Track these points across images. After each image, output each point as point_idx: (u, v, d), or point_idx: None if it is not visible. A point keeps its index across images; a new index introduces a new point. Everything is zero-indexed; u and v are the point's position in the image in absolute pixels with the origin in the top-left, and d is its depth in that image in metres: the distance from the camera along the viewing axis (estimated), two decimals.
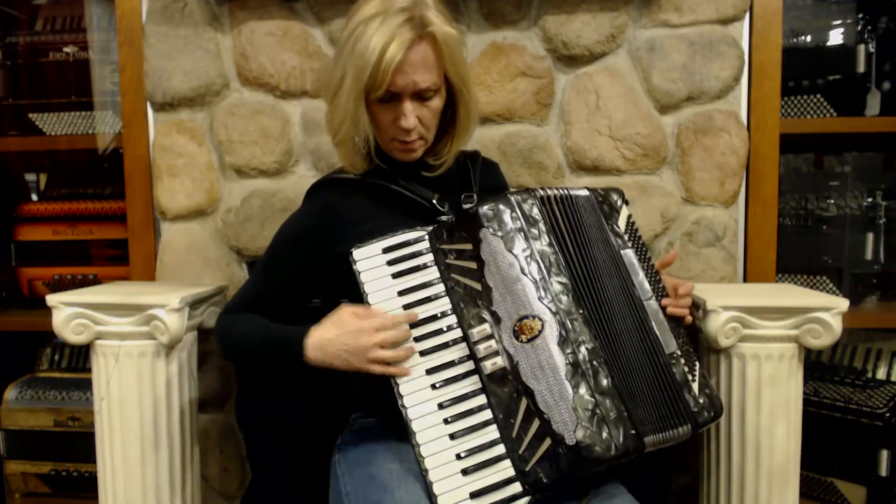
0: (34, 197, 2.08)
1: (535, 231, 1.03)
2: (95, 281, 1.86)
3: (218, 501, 1.69)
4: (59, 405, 1.78)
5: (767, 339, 1.28)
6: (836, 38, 1.72)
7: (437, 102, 1.11)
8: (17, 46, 1.87)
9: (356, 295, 1.06)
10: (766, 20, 1.55)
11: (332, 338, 1.03)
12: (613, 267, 1.07)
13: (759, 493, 1.29)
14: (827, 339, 1.25)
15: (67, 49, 1.85)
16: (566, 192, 1.08)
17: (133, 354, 1.33)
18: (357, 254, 1.06)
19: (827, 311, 1.25)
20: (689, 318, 1.12)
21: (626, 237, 1.11)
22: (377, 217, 1.13)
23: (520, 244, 1.01)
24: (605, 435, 0.93)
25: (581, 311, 1.00)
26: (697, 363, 1.08)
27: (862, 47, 1.67)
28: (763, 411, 1.27)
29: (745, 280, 1.60)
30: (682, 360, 1.05)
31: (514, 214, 1.03)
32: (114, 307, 1.33)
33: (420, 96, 1.08)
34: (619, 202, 1.15)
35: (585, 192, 1.11)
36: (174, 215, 1.62)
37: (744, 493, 1.30)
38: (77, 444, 1.76)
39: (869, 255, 1.71)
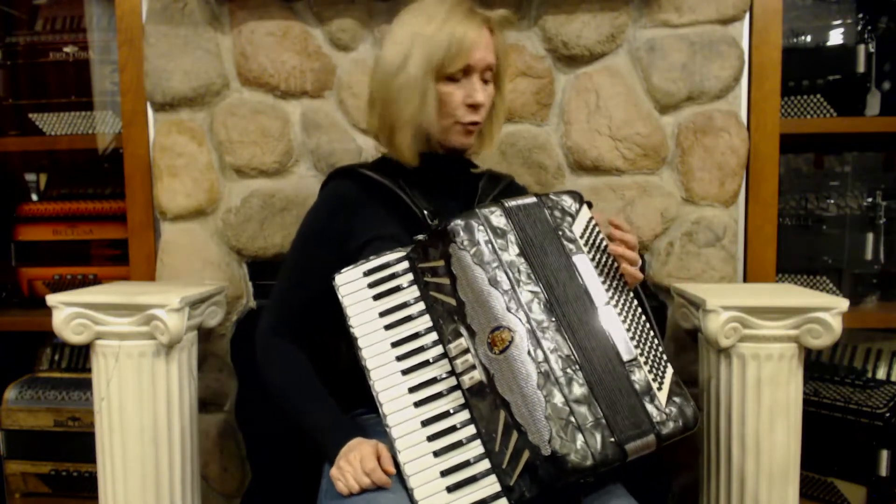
0: (34, 197, 2.08)
1: (502, 242, 1.03)
2: (95, 281, 1.86)
3: (218, 501, 1.69)
4: (59, 405, 1.78)
5: (767, 339, 1.28)
6: (836, 38, 1.72)
7: (492, 89, 1.19)
8: (17, 46, 1.87)
9: None
10: (766, 20, 1.55)
11: (350, 460, 1.04)
12: (570, 273, 1.05)
13: (759, 493, 1.29)
14: (827, 339, 1.25)
15: (67, 49, 1.85)
16: (519, 202, 1.09)
17: (133, 354, 1.33)
18: (339, 279, 1.08)
19: (827, 311, 1.25)
20: (632, 272, 1.09)
21: (581, 241, 1.09)
22: (382, 218, 1.17)
23: (488, 256, 1.01)
24: (579, 444, 0.91)
25: (553, 320, 0.99)
26: (669, 370, 1.04)
27: (862, 47, 1.67)
28: (763, 411, 1.27)
29: (745, 280, 1.60)
30: (647, 368, 1.02)
31: (480, 227, 1.03)
32: (114, 307, 1.33)
33: (484, 78, 1.16)
34: (574, 207, 1.13)
35: (533, 199, 1.10)
36: (174, 215, 1.62)
37: (744, 493, 1.30)
38: (77, 444, 1.76)
39: (869, 255, 1.71)
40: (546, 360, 0.96)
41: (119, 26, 1.63)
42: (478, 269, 1.00)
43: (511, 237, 1.04)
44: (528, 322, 0.98)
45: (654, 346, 1.06)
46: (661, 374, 1.03)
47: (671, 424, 0.99)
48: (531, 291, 1.01)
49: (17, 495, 1.83)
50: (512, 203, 1.07)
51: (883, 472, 1.60)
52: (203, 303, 1.46)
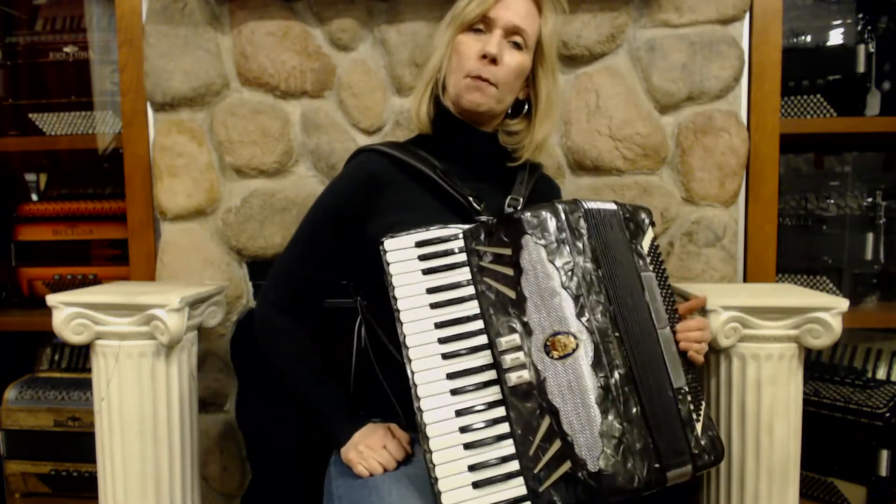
0: (34, 197, 2.08)
1: (579, 245, 0.98)
2: (95, 281, 1.86)
3: (218, 501, 1.69)
4: (59, 405, 1.78)
5: (767, 339, 1.28)
6: (836, 38, 1.72)
7: (522, 58, 1.14)
8: (17, 46, 1.87)
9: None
10: (766, 20, 1.55)
11: (370, 444, 1.09)
12: (637, 290, 1.02)
13: (759, 493, 1.29)
14: (827, 339, 1.25)
15: (67, 49, 1.85)
16: (599, 205, 1.04)
17: (133, 354, 1.33)
18: (388, 244, 1.01)
19: (827, 311, 1.25)
20: (697, 357, 1.06)
21: (647, 259, 1.06)
22: (414, 202, 1.12)
23: (563, 257, 0.96)
24: (629, 465, 0.90)
25: (616, 334, 0.96)
26: (703, 404, 1.03)
27: (862, 47, 1.67)
28: (763, 411, 1.27)
29: (745, 280, 1.60)
30: (689, 398, 1.01)
31: (559, 224, 0.98)
32: (114, 307, 1.33)
33: (512, 41, 1.13)
34: (647, 222, 1.10)
35: (614, 207, 1.06)
36: (174, 215, 1.62)
37: (744, 493, 1.30)
38: (77, 444, 1.76)
39: (869, 255, 1.71)
40: (607, 375, 0.93)
41: (119, 26, 1.63)
42: (550, 267, 0.95)
43: (587, 240, 0.99)
44: (594, 333, 0.94)
45: (695, 377, 1.05)
46: (698, 405, 1.02)
47: (705, 457, 0.99)
48: (600, 301, 0.97)
49: (17, 495, 1.83)
50: (592, 205, 1.02)
51: (883, 472, 1.60)
52: (203, 303, 1.46)
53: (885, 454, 1.60)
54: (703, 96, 1.54)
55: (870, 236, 1.71)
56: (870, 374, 1.73)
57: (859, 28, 1.70)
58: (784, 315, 1.27)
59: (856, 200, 1.71)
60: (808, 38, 1.73)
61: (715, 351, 1.32)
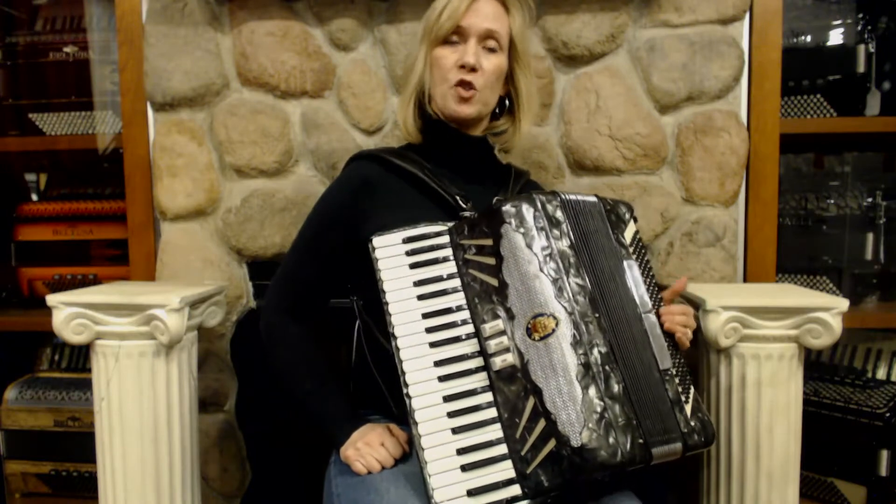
0: (34, 197, 2.08)
1: (556, 232, 1.02)
2: (95, 281, 1.86)
3: (218, 501, 1.69)
4: (59, 405, 1.78)
5: (767, 339, 1.28)
6: (836, 38, 1.72)
7: (498, 60, 1.18)
8: (17, 46, 1.87)
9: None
10: (766, 20, 1.55)
11: (368, 441, 1.10)
12: (619, 276, 1.06)
13: (759, 493, 1.29)
14: (827, 339, 1.25)
15: (67, 49, 1.85)
16: (578, 197, 1.08)
17: (133, 354, 1.33)
18: (377, 241, 1.05)
19: (827, 311, 1.25)
20: (685, 340, 1.10)
21: (630, 249, 1.10)
22: (406, 203, 1.16)
23: (540, 242, 1.00)
24: (611, 440, 0.91)
25: (596, 315, 0.99)
26: (692, 388, 1.06)
27: (862, 47, 1.67)
28: (763, 411, 1.27)
29: (745, 280, 1.60)
30: (677, 380, 1.03)
31: (537, 213, 1.02)
32: (114, 307, 1.33)
33: (486, 46, 1.16)
34: (627, 215, 1.15)
35: (594, 199, 1.11)
36: (174, 215, 1.62)
37: (744, 493, 1.30)
38: (77, 444, 1.76)
39: (869, 255, 1.71)
40: (587, 353, 0.96)
41: (119, 26, 1.63)
42: (528, 253, 0.99)
43: (565, 228, 1.03)
44: (574, 313, 0.98)
45: (682, 363, 1.08)
46: (686, 389, 1.04)
47: (695, 437, 1.00)
48: (579, 284, 1.00)
49: (17, 495, 1.83)
50: (570, 196, 1.07)
51: (883, 472, 1.60)
52: (203, 303, 1.46)
53: (885, 454, 1.60)
54: (703, 96, 1.55)
55: (870, 236, 1.71)
56: (870, 374, 1.73)
57: (859, 28, 1.70)
58: (784, 315, 1.27)
59: (856, 200, 1.71)
60: (808, 38, 1.73)
61: (715, 351, 1.32)
